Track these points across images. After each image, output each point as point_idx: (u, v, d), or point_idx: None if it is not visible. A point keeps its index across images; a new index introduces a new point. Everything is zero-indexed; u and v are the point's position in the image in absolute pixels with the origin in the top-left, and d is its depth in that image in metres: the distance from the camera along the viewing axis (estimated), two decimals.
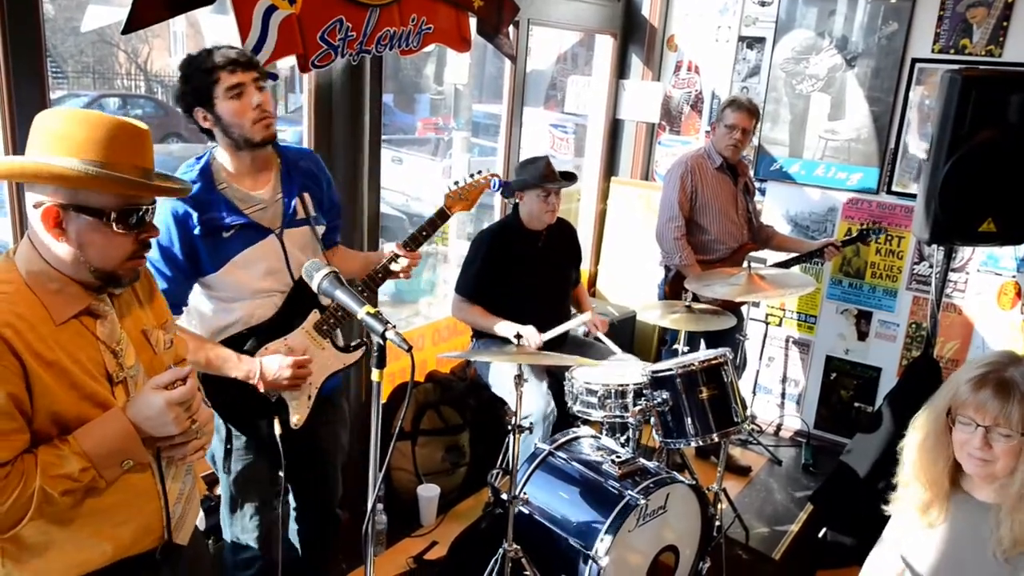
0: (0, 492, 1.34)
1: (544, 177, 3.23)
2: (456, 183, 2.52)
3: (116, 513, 1.50)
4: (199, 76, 2.05)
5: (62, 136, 1.39)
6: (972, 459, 1.70)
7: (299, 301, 2.24)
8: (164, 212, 2.07)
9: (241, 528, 2.37)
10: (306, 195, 2.27)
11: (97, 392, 1.45)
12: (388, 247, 2.46)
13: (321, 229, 2.33)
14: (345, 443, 2.54)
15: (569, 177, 3.36)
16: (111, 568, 1.53)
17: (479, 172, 2.54)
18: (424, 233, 2.40)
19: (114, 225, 1.41)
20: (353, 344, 2.36)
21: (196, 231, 2.09)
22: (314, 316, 2.26)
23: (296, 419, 2.25)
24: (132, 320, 1.59)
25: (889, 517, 1.96)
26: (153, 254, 2.05)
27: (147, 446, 1.49)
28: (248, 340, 2.20)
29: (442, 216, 2.44)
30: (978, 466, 1.69)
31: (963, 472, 1.78)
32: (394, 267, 2.37)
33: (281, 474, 2.24)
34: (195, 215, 2.09)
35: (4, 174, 1.53)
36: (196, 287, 2.21)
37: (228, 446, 2.28)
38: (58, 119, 1.41)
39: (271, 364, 2.15)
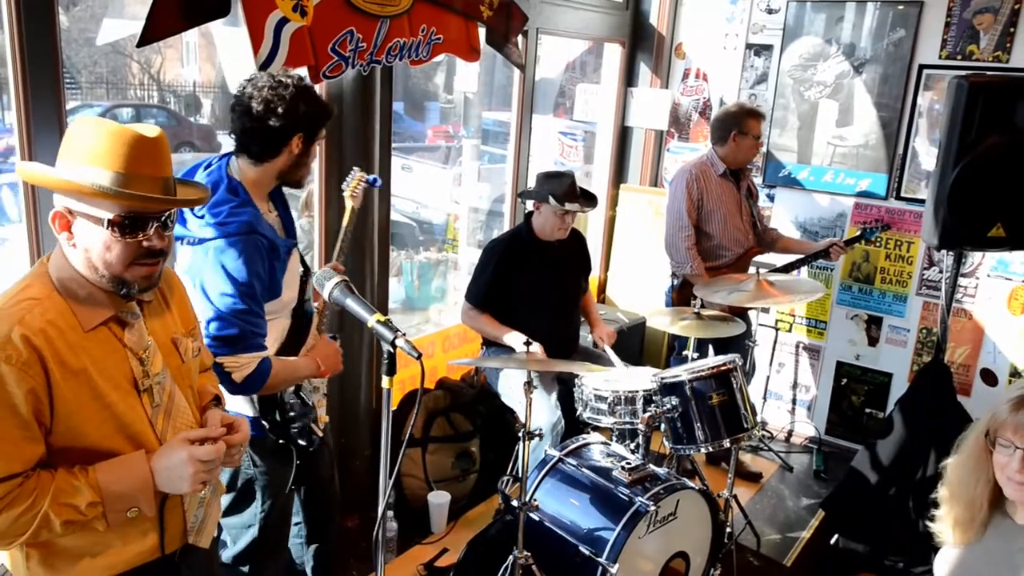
0: (8, 505, 1.34)
1: (566, 196, 3.20)
2: None
3: (142, 521, 1.52)
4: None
5: (87, 147, 1.41)
6: (1012, 482, 1.64)
7: (301, 311, 2.27)
8: (252, 240, 1.99)
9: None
10: None
11: (117, 403, 1.46)
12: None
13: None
14: (330, 441, 2.54)
15: (591, 199, 3.35)
16: (132, 573, 1.55)
17: None
18: None
19: (111, 230, 1.41)
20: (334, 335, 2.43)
21: (267, 252, 2.04)
22: (315, 319, 2.31)
23: (324, 418, 2.33)
24: (161, 327, 1.61)
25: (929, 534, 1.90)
26: (256, 287, 1.99)
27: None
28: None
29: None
30: (1017, 489, 1.64)
31: (1005, 495, 1.71)
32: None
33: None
34: (266, 239, 2.04)
35: (39, 183, 1.54)
36: None
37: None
38: (85, 130, 1.43)
39: (324, 351, 2.22)
